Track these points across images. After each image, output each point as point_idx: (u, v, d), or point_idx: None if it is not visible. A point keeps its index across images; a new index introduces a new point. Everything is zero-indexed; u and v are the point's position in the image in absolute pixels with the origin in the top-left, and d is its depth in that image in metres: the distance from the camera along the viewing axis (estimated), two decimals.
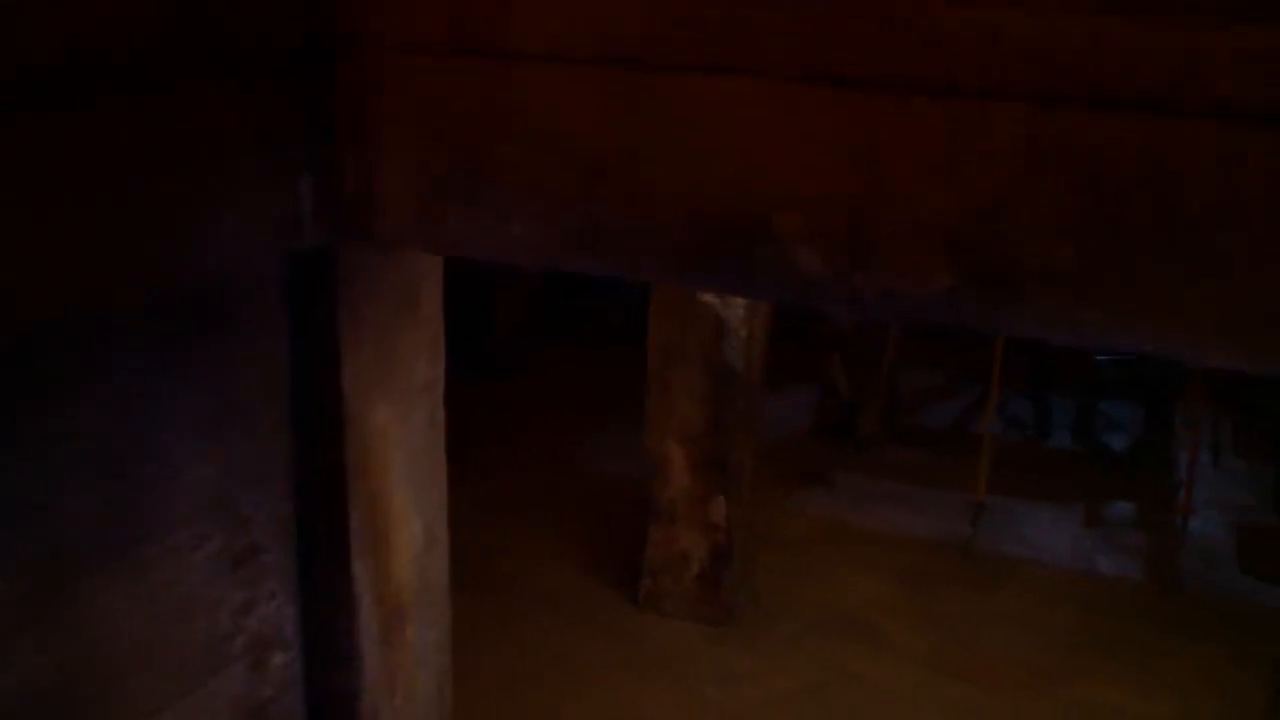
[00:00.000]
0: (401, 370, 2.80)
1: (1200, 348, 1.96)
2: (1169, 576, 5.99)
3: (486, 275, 7.63)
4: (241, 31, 2.25)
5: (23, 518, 2.07)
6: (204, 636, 2.51)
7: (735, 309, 4.91)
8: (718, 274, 2.22)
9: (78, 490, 2.16)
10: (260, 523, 2.60)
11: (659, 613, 5.34)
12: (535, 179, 2.27)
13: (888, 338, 7.27)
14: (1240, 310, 1.91)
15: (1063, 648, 5.27)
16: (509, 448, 6.70)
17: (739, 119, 2.09)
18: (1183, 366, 8.13)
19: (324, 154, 2.40)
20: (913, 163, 2.03)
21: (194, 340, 2.34)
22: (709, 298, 4.91)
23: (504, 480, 6.37)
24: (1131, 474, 7.28)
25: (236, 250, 2.40)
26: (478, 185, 2.32)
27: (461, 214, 2.35)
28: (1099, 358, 7.59)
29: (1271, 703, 4.71)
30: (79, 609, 2.22)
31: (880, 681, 4.96)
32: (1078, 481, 7.02)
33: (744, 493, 5.26)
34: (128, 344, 2.20)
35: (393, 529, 2.86)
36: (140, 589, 2.37)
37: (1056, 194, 1.95)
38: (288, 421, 2.62)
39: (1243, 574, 6.05)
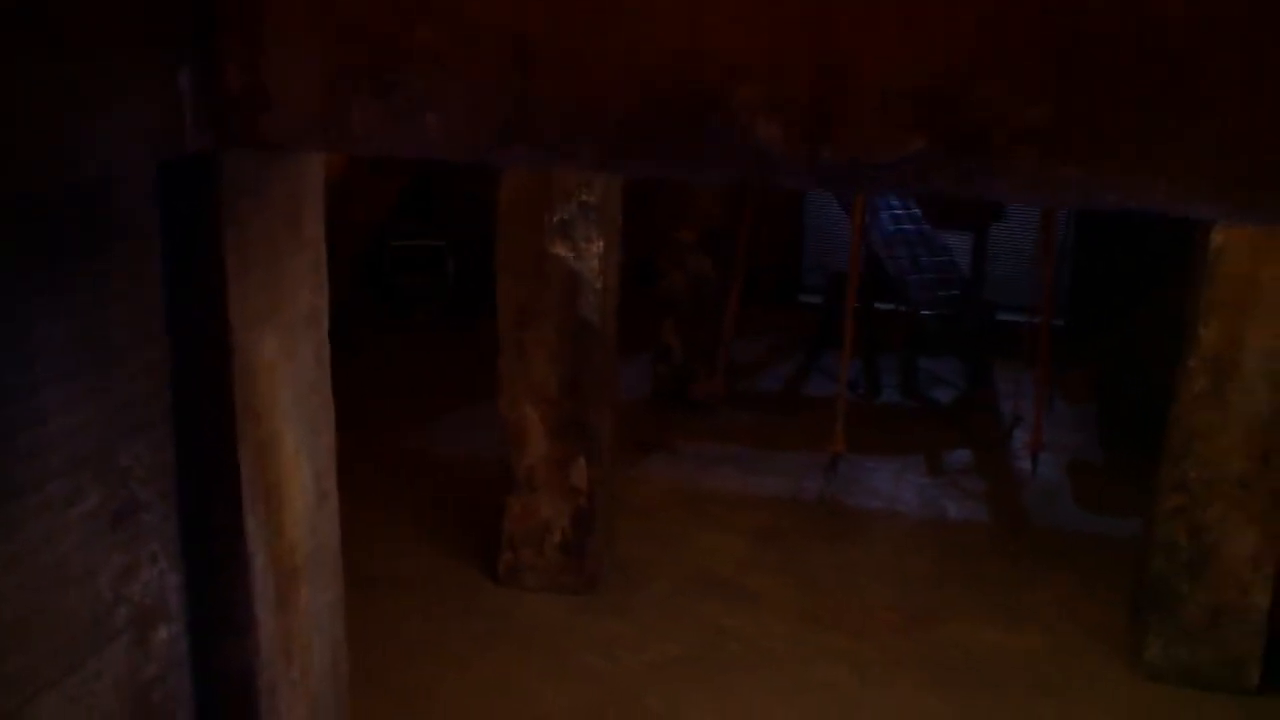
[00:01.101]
0: (287, 299, 2.52)
1: (1185, 200, 1.89)
2: (1014, 516, 6.12)
3: None
4: None
5: None
6: (82, 608, 2.18)
7: (589, 261, 4.73)
8: (668, 156, 2.04)
9: None
10: (139, 475, 2.28)
11: (521, 587, 5.11)
12: (455, 63, 2.04)
13: (724, 302, 7.21)
14: (1226, 158, 1.84)
15: (927, 591, 5.29)
16: (352, 435, 6.32)
17: None
18: (997, 321, 8.39)
19: (206, 44, 2.11)
20: (877, 22, 1.90)
21: (61, 261, 2.02)
22: (560, 250, 4.72)
23: (351, 469, 6.00)
24: (961, 425, 7.44)
25: (107, 156, 2.08)
26: (387, 74, 2.07)
27: (368, 108, 2.10)
28: (924, 312, 7.71)
29: (1129, 626, 4.82)
30: None
31: (758, 638, 4.86)
32: (913, 435, 7.13)
33: (604, 454, 5.08)
34: None
35: (284, 479, 2.57)
36: (9, 553, 2.03)
37: (1031, 44, 1.85)
38: (166, 358, 2.31)
39: (1080, 509, 6.23)
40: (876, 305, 7.83)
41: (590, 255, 4.73)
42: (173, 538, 2.40)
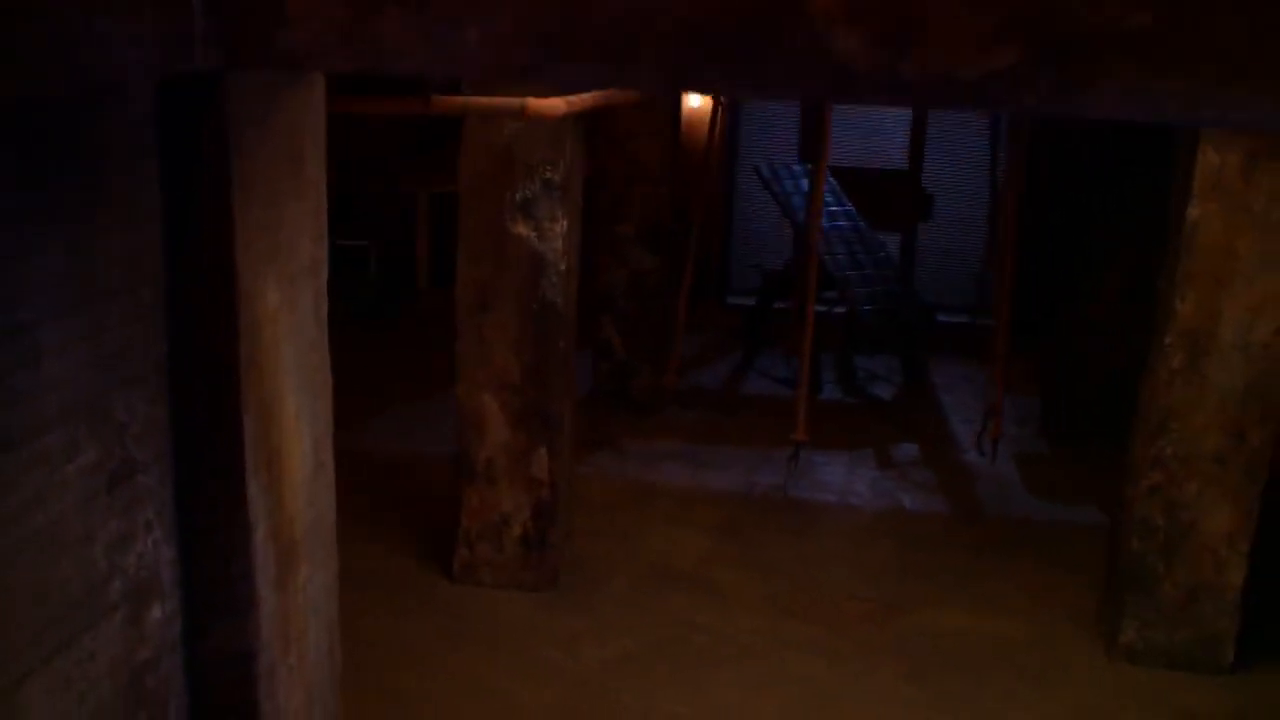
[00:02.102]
0: (290, 245, 2.31)
1: None
2: (969, 507, 6.07)
3: None
4: None
5: None
6: (77, 578, 1.95)
7: (553, 241, 4.55)
8: (736, 70, 1.88)
9: None
10: (135, 433, 2.06)
11: (478, 584, 4.89)
12: None
13: (674, 297, 7.06)
14: None
15: (894, 581, 5.20)
16: None
17: None
18: (935, 319, 8.40)
19: None
20: None
21: (55, 182, 1.80)
22: (522, 230, 4.53)
23: None
24: (903, 419, 7.40)
25: (106, 62, 1.86)
26: None
27: (402, 18, 1.91)
28: (864, 307, 7.67)
29: (1102, 610, 4.78)
30: None
31: (724, 630, 4.71)
32: (858, 430, 7.07)
33: (565, 444, 4.90)
34: None
35: (285, 444, 2.35)
36: (1, 512, 1.81)
37: None
38: (162, 303, 2.09)
39: (1033, 498, 6.21)
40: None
41: (554, 235, 4.55)
42: (167, 506, 2.17)
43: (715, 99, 8.97)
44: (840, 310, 7.95)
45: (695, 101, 8.64)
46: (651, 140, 6.92)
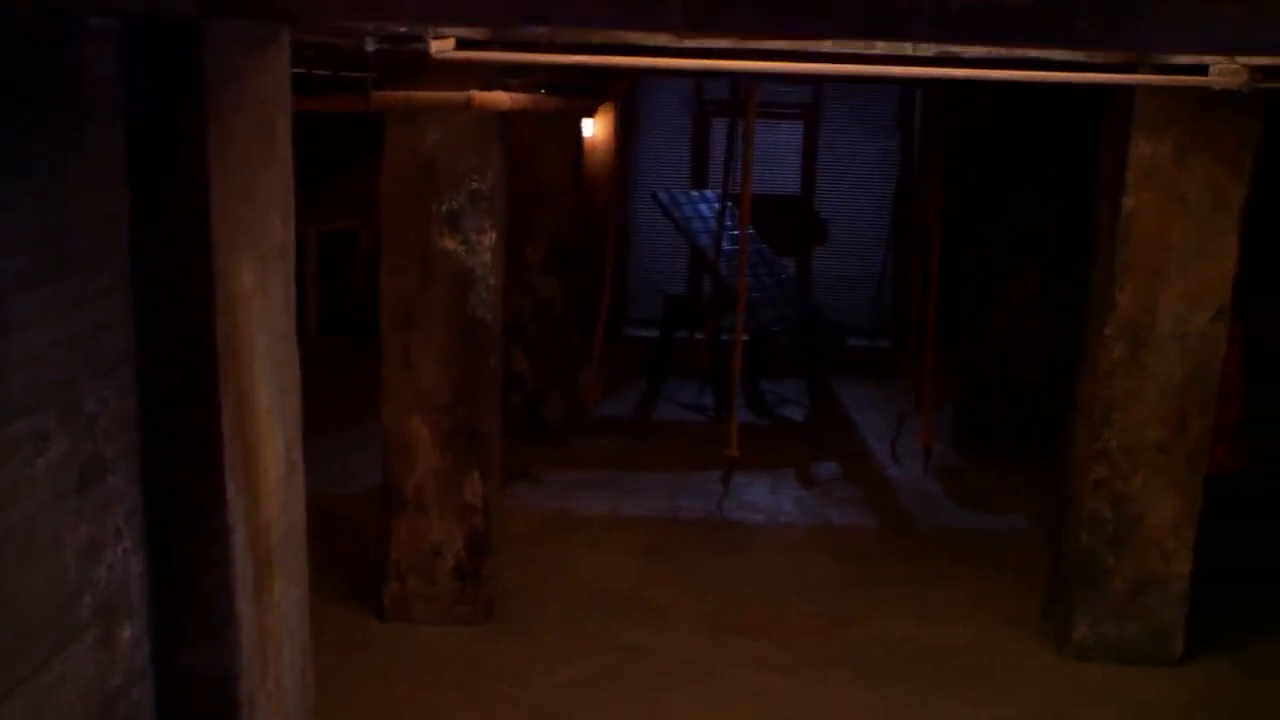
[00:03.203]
0: (262, 222, 2.11)
1: None
2: (897, 519, 6.02)
3: None
4: None
5: None
6: (48, 590, 1.72)
7: (481, 254, 4.37)
8: (772, 7, 1.75)
9: None
10: (105, 425, 1.84)
11: (410, 620, 4.64)
12: None
13: (571, 327, 6.92)
14: None
15: (835, 594, 5.09)
16: None
17: None
18: (843, 337, 8.42)
19: None
20: None
21: (21, 130, 1.59)
22: (449, 244, 4.34)
23: None
24: (816, 438, 7.35)
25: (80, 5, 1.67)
26: None
27: None
28: (773, 328, 7.62)
29: (1049, 610, 4.74)
30: None
31: (671, 650, 4.55)
32: (775, 450, 6.98)
33: (497, 467, 4.70)
34: None
35: (261, 442, 2.14)
36: None
37: None
38: (128, 279, 1.88)
39: (957, 508, 6.19)
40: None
41: (482, 248, 4.37)
42: (136, 510, 1.95)
43: (616, 124, 8.92)
44: (746, 335, 7.89)
45: (589, 130, 8.55)
46: (556, 163, 6.78)
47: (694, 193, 8.80)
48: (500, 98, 3.65)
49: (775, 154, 9.81)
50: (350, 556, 5.11)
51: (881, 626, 4.81)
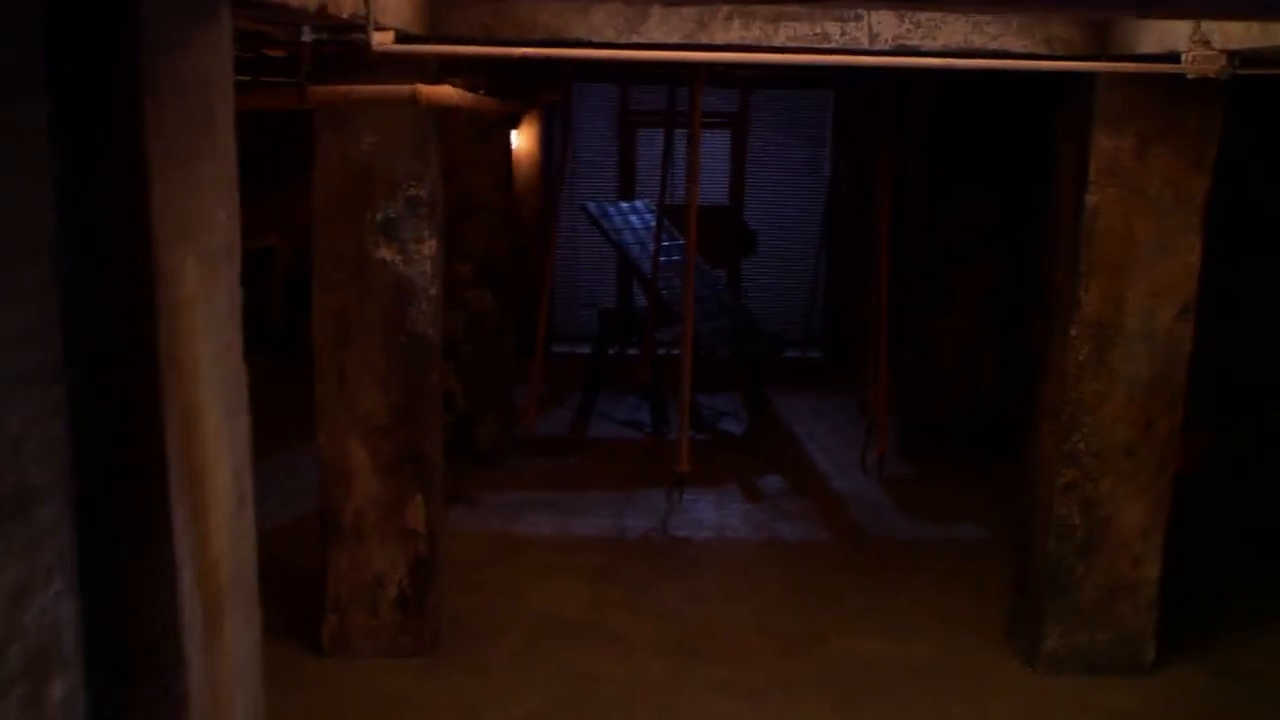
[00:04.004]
0: (205, 216, 1.86)
1: None
2: (849, 531, 5.86)
3: None
4: None
5: None
6: None
7: (421, 265, 4.12)
8: None
9: None
10: (31, 450, 1.58)
11: (351, 655, 4.36)
12: None
13: (505, 344, 6.69)
14: None
15: (794, 611, 4.92)
16: None
17: None
18: (780, 347, 8.29)
19: None
20: None
21: None
22: (386, 254, 4.09)
23: None
24: (758, 452, 7.19)
25: None
26: None
27: None
28: (711, 340, 7.45)
29: (1012, 621, 4.61)
30: None
31: (632, 679, 4.33)
32: (717, 465, 6.80)
33: (439, 491, 4.44)
34: None
35: (209, 466, 1.89)
36: None
37: None
38: (55, 280, 1.63)
39: (908, 518, 6.05)
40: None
41: (421, 258, 4.13)
42: (69, 547, 1.69)
43: (541, 135, 8.72)
44: (676, 352, 7.71)
45: (516, 140, 8.33)
46: (486, 174, 6.55)
47: (623, 204, 8.62)
48: (448, 92, 3.43)
49: (703, 164, 9.64)
50: (283, 589, 4.80)
51: (845, 644, 4.64)
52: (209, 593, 1.88)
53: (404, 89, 3.41)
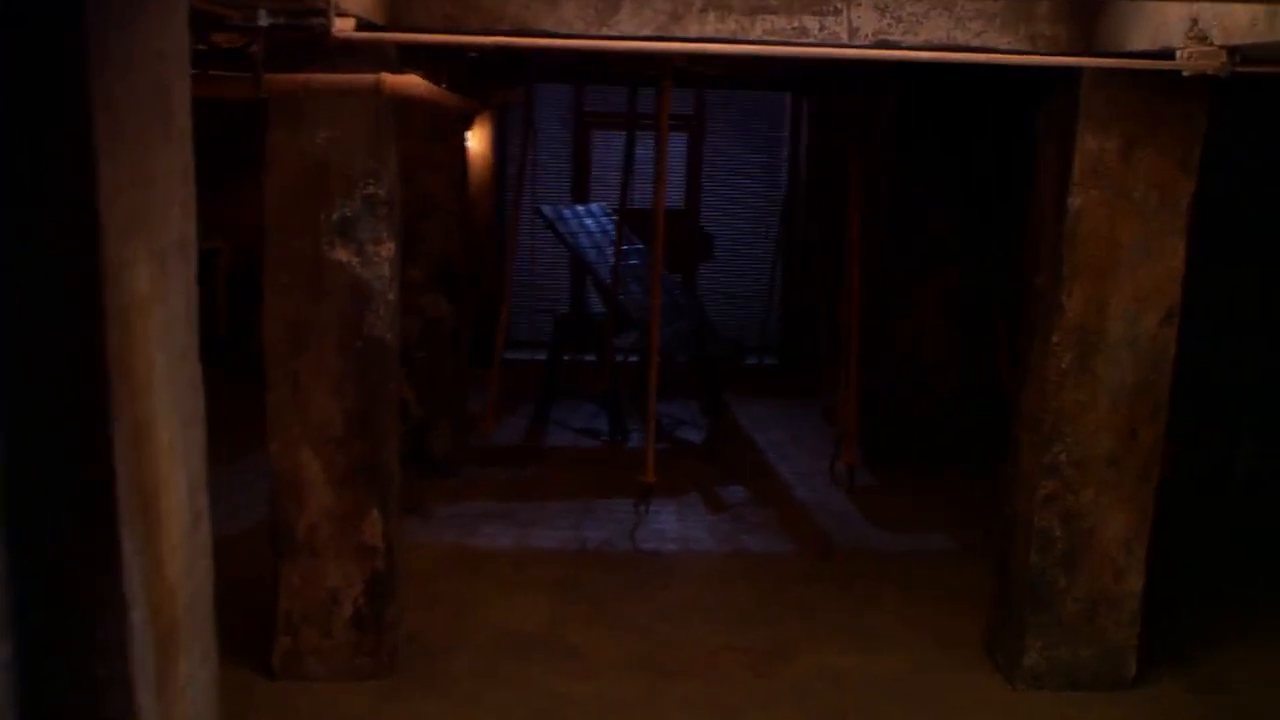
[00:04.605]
0: (159, 211, 1.67)
1: None
2: (816, 542, 5.72)
3: None
4: None
5: None
6: None
7: (378, 267, 3.92)
8: None
9: None
10: None
11: (304, 677, 4.14)
12: None
13: (461, 350, 6.49)
14: None
15: (764, 626, 4.76)
16: None
17: None
18: (740, 353, 8.16)
19: None
20: None
21: None
22: (342, 255, 3.89)
23: None
24: (718, 461, 7.04)
25: None
26: None
27: None
28: (669, 345, 7.29)
29: (992, 634, 4.49)
30: None
31: (599, 698, 4.15)
32: (678, 475, 6.64)
33: (396, 503, 4.24)
34: None
35: (161, 485, 1.69)
36: None
37: None
38: None
39: (876, 528, 5.93)
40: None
41: (379, 260, 3.93)
42: (3, 580, 1.49)
43: (494, 137, 8.54)
44: (635, 359, 7.54)
45: (470, 142, 8.13)
46: (442, 174, 6.34)
47: (579, 207, 8.44)
48: (414, 81, 3.24)
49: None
50: (231, 607, 4.57)
51: (818, 659, 4.49)
52: (162, 629, 1.68)
53: (368, 78, 3.22)
